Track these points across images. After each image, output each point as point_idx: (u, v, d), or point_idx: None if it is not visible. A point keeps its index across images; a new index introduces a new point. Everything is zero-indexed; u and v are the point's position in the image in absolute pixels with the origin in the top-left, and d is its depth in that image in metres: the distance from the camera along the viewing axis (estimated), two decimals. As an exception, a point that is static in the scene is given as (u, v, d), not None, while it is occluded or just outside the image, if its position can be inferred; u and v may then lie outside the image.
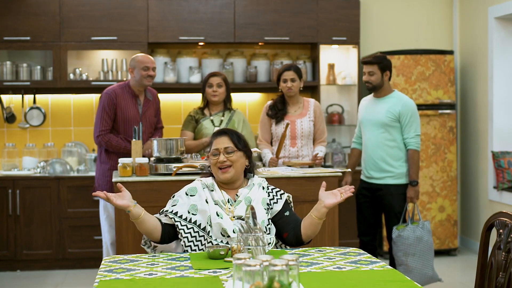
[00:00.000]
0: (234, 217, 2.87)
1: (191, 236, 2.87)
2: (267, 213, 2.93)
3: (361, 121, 4.71)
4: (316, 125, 4.69)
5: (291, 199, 3.08)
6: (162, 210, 2.95)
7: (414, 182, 4.56)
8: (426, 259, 4.49)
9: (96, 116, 4.57)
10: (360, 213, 4.74)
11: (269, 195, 2.99)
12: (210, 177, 3.04)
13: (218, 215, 2.86)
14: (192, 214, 2.90)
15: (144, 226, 2.81)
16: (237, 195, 2.96)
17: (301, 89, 4.69)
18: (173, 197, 2.99)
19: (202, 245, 2.87)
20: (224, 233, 2.82)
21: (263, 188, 3.01)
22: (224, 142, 2.97)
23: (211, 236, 2.85)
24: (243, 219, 2.83)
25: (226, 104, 4.78)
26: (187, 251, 2.87)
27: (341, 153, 6.22)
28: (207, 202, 2.90)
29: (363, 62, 4.61)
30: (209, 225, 2.85)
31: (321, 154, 4.57)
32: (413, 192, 4.58)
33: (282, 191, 3.04)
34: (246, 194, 2.95)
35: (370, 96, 4.75)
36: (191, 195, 2.94)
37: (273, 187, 3.05)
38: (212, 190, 2.95)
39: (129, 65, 4.62)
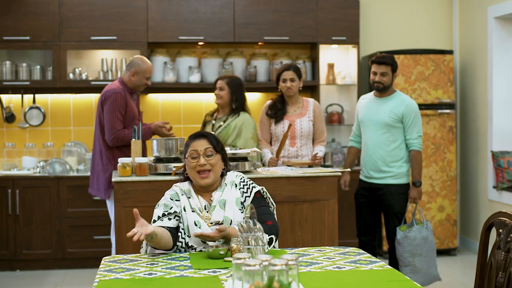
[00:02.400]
0: (211, 223, 2.86)
1: (178, 241, 2.86)
2: (242, 212, 2.92)
3: (361, 120, 4.67)
4: (315, 124, 4.69)
5: (264, 190, 3.00)
6: (157, 216, 2.89)
7: (418, 183, 4.56)
8: (431, 259, 4.50)
9: (109, 116, 4.48)
10: (359, 213, 4.73)
11: (242, 194, 2.96)
12: (187, 182, 3.00)
13: (196, 225, 2.84)
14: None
15: (163, 240, 2.72)
16: (211, 199, 2.94)
17: (301, 89, 4.69)
18: (157, 206, 2.91)
19: (183, 249, 2.86)
20: (205, 241, 2.79)
21: (236, 185, 2.98)
22: (203, 144, 2.93)
23: (189, 242, 2.84)
24: (221, 223, 2.84)
25: (234, 107, 4.72)
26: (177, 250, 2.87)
27: (340, 153, 6.22)
28: (184, 210, 2.88)
29: (377, 62, 4.49)
30: (187, 235, 2.84)
31: (321, 154, 4.57)
32: (416, 193, 4.58)
33: (251, 186, 2.98)
34: (219, 197, 2.93)
35: (370, 94, 4.72)
36: (176, 200, 2.90)
37: (245, 182, 2.99)
38: (189, 197, 2.92)
39: (131, 67, 4.60)
